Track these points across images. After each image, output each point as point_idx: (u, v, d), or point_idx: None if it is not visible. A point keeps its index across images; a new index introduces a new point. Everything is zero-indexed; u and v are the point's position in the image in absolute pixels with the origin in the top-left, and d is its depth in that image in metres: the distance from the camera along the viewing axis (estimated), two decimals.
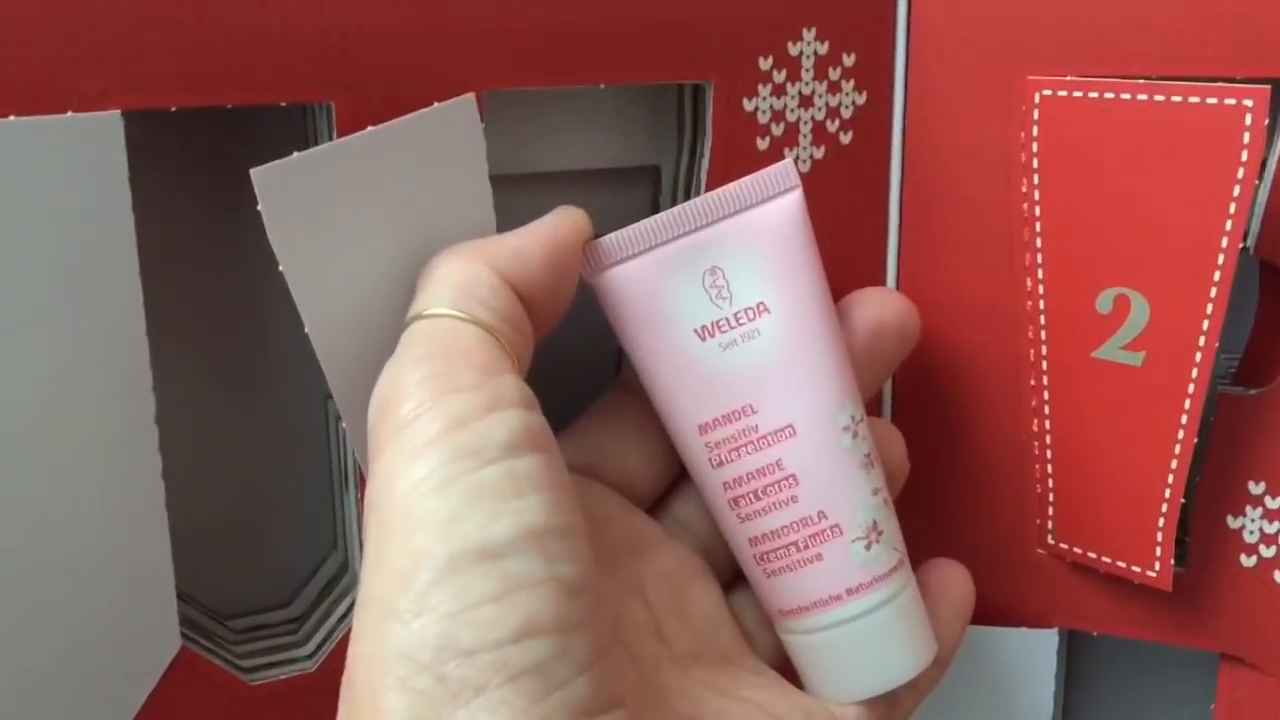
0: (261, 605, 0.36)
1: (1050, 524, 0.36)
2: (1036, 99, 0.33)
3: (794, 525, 0.31)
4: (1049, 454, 0.35)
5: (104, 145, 0.27)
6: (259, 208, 0.26)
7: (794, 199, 0.31)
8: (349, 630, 0.32)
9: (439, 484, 0.24)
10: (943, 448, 0.37)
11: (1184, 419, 0.32)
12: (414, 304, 0.27)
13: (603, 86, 0.32)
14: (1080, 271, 0.34)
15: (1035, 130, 0.33)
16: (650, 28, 0.32)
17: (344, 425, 0.30)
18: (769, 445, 0.30)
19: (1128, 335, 0.33)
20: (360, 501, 0.32)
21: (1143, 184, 0.32)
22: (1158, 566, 0.34)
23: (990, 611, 0.37)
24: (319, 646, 0.33)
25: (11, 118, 0.26)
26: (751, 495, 0.31)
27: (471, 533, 0.24)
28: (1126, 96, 0.32)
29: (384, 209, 0.28)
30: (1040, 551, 0.37)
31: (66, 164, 0.26)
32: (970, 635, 0.36)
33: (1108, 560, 0.35)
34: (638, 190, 0.37)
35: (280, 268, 0.27)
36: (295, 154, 0.27)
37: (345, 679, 0.25)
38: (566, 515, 0.25)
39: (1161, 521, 0.34)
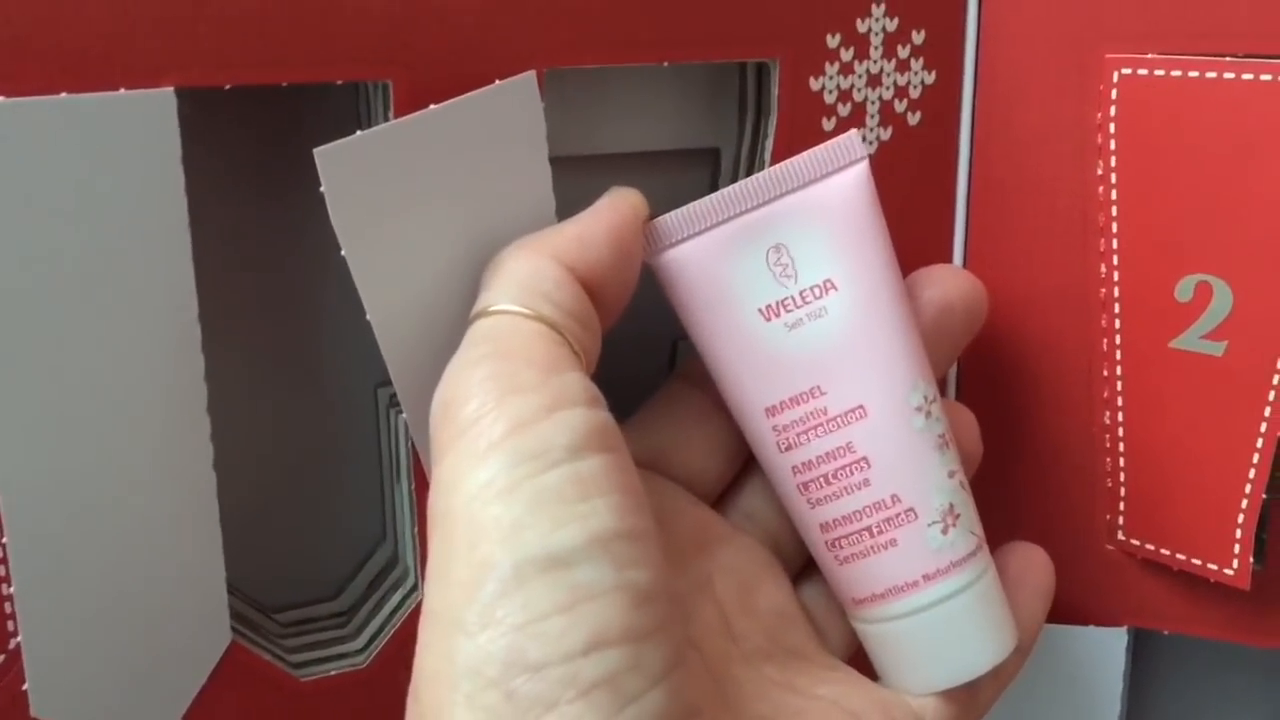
0: (309, 598, 0.35)
1: (1121, 519, 0.35)
2: (1115, 78, 0.32)
3: (866, 510, 0.30)
4: (1121, 446, 0.34)
5: (157, 123, 0.26)
6: (321, 189, 0.25)
7: (860, 171, 0.30)
8: (399, 625, 0.32)
9: (502, 490, 0.23)
10: (1009, 439, 0.36)
11: (1267, 411, 0.31)
12: (479, 300, 0.26)
13: (665, 65, 0.31)
14: (1159, 257, 0.32)
15: (1113, 111, 0.32)
16: (715, 4, 0.31)
17: (404, 415, 0.29)
18: (839, 427, 0.29)
19: (1209, 324, 0.32)
20: (412, 491, 0.31)
21: (1227, 167, 0.31)
22: (1235, 564, 0.33)
23: (1057, 608, 0.36)
24: (369, 641, 0.32)
25: (63, 94, 0.25)
26: (822, 480, 0.30)
27: (536, 541, 0.23)
28: (1212, 75, 0.31)
29: (444, 189, 0.27)
30: (1110, 547, 0.36)
31: (119, 142, 0.25)
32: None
33: (1182, 557, 0.34)
34: (696, 172, 0.36)
35: (342, 251, 0.26)
36: (358, 133, 0.26)
37: (411, 693, 0.24)
38: (636, 518, 0.24)
39: (1241, 518, 0.32)
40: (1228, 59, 0.30)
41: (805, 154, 0.30)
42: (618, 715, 0.22)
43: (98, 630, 0.27)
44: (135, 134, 0.25)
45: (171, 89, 0.26)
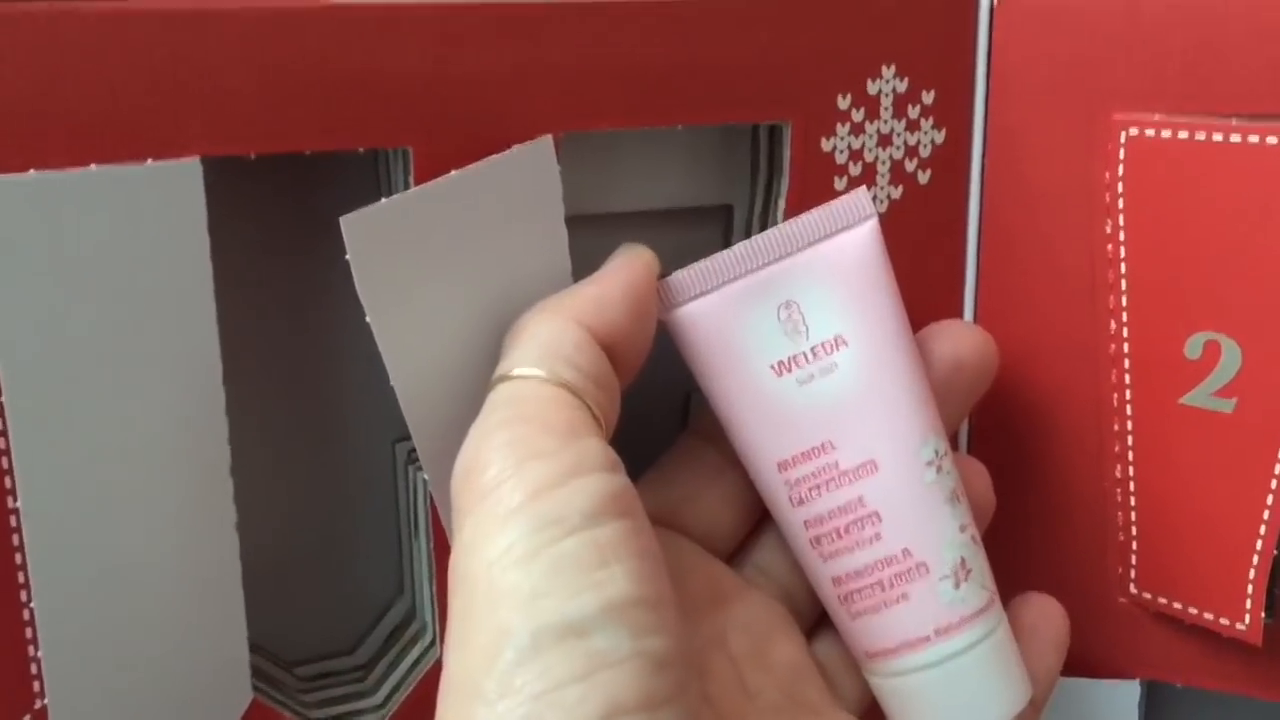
0: (326, 651, 0.35)
1: (1133, 572, 0.35)
2: (1122, 138, 0.32)
3: (878, 564, 0.30)
4: (1132, 500, 0.35)
5: (184, 191, 0.26)
6: (347, 256, 0.26)
7: (869, 229, 0.30)
8: (418, 680, 0.32)
9: (521, 557, 0.23)
10: (1020, 492, 0.36)
11: (1278, 468, 0.32)
12: (500, 364, 0.27)
13: (678, 127, 0.32)
14: (1168, 315, 0.33)
15: (1120, 170, 0.33)
16: (728, 68, 0.31)
17: (424, 475, 0.29)
18: (850, 482, 0.30)
19: (1218, 381, 0.32)
20: (430, 548, 0.32)
21: (1234, 227, 0.31)
22: (1247, 619, 0.33)
23: (1070, 661, 0.36)
24: (389, 697, 0.33)
25: (93, 166, 0.25)
26: (833, 534, 0.30)
27: (553, 609, 0.23)
28: (1218, 137, 0.31)
29: (464, 252, 0.28)
30: (1122, 600, 0.36)
31: (147, 211, 0.26)
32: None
33: (1194, 611, 0.34)
34: (709, 230, 0.36)
35: (367, 317, 0.26)
36: (382, 200, 0.26)
37: None
38: (652, 584, 0.24)
39: (1252, 573, 0.33)
40: (1234, 121, 0.31)
41: (815, 211, 0.30)
42: None
43: (123, 690, 0.28)
44: (163, 203, 0.26)
45: (197, 159, 0.26)
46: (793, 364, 0.30)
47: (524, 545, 0.23)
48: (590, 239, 0.30)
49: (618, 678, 0.23)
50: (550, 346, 0.26)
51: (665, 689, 0.23)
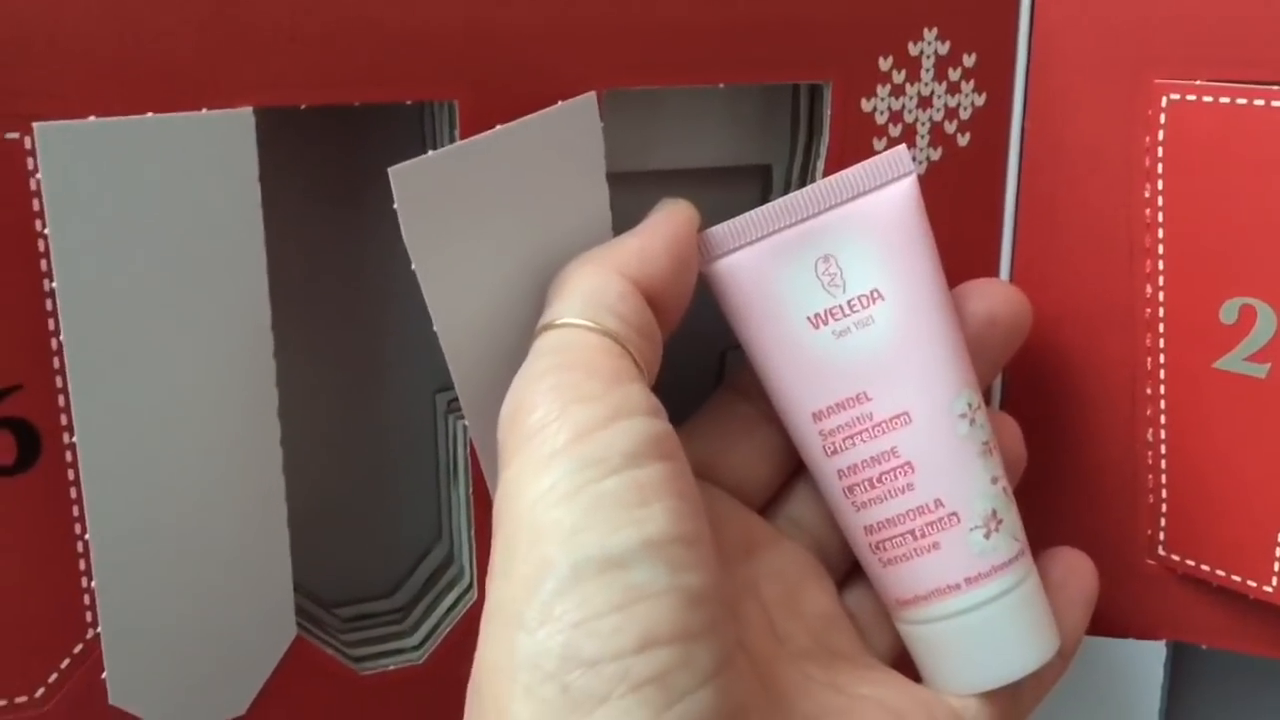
0: (366, 594, 0.36)
1: (1162, 534, 0.36)
2: (1163, 103, 0.33)
3: (910, 513, 0.30)
4: (1163, 463, 0.35)
5: (236, 140, 0.27)
6: (394, 206, 0.26)
7: (908, 185, 0.31)
8: (456, 622, 0.33)
9: (563, 495, 0.24)
10: (1052, 452, 0.37)
11: None
12: (545, 313, 0.27)
13: (720, 86, 0.32)
14: (1204, 280, 0.33)
15: (1160, 135, 0.33)
16: (771, 28, 0.32)
17: (464, 422, 0.30)
18: (884, 433, 0.30)
19: (1252, 346, 0.32)
20: (468, 495, 0.32)
21: (1271, 193, 0.31)
22: (1275, 582, 0.33)
23: (1096, 620, 0.36)
24: (426, 638, 0.33)
25: (150, 114, 0.26)
26: (866, 483, 0.31)
27: (594, 543, 0.24)
28: (1259, 103, 0.31)
29: (508, 206, 0.28)
30: (1150, 562, 0.36)
31: (201, 158, 0.27)
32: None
33: (1221, 573, 0.34)
34: (748, 189, 0.36)
35: (412, 266, 0.27)
36: (429, 153, 0.27)
37: (472, 683, 0.25)
38: (691, 523, 0.25)
39: None
40: (1274, 87, 0.31)
41: (854, 168, 0.31)
42: (667, 711, 0.23)
43: (173, 624, 0.29)
44: (216, 151, 0.27)
45: (250, 109, 0.27)
46: (829, 316, 0.30)
47: (567, 483, 0.24)
48: (631, 196, 0.31)
49: (654, 610, 0.23)
50: (594, 296, 0.27)
51: (700, 623, 0.24)
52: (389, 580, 0.37)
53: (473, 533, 0.32)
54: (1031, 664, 0.31)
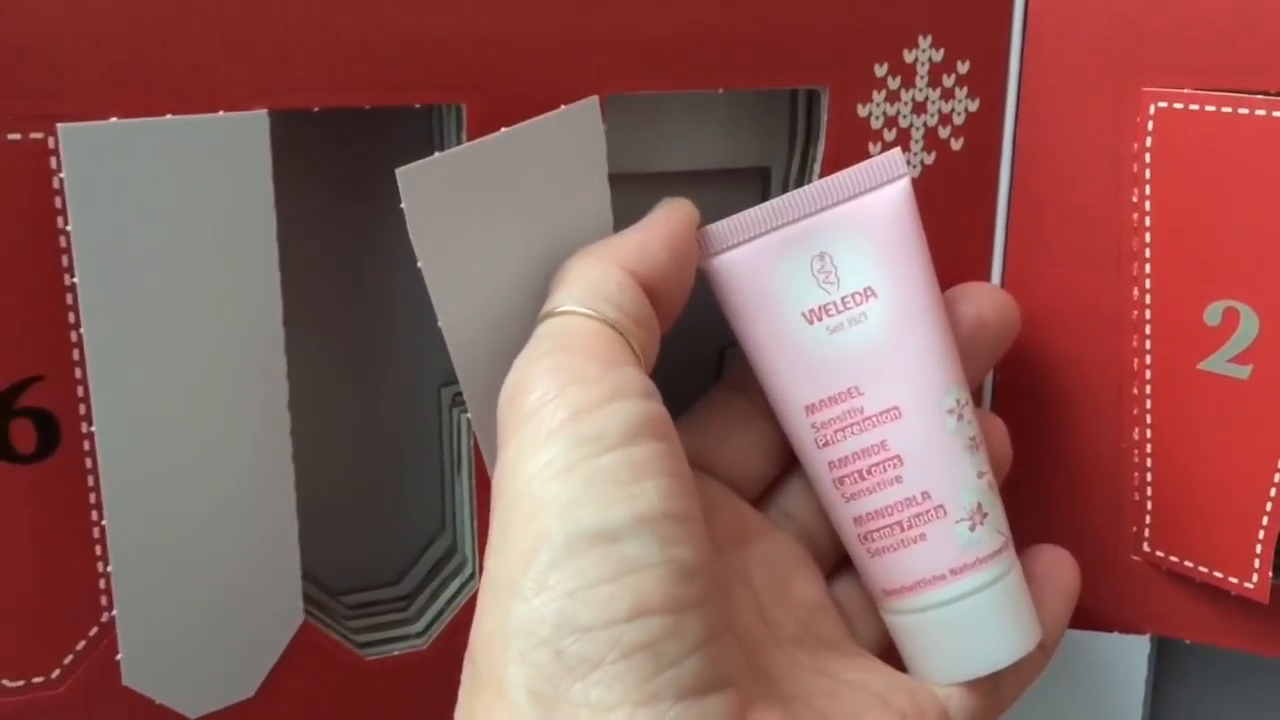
0: (371, 582, 0.37)
1: (1147, 531, 0.36)
2: (1151, 110, 0.33)
3: (898, 505, 0.31)
4: (1149, 462, 0.36)
5: (251, 141, 0.28)
6: (402, 205, 0.27)
7: (902, 187, 0.31)
8: (459, 610, 0.34)
9: (560, 470, 0.25)
10: (1040, 450, 0.38)
11: None
12: (547, 302, 0.28)
13: (719, 91, 0.33)
14: (1189, 283, 0.34)
15: (1148, 142, 0.34)
16: (769, 34, 0.32)
17: (467, 415, 0.31)
18: (874, 426, 0.31)
19: (1235, 348, 0.33)
20: (471, 486, 0.33)
21: (1256, 199, 0.32)
22: (1255, 578, 0.34)
23: (1082, 615, 0.37)
24: (430, 625, 0.34)
25: (168, 116, 0.27)
26: (856, 475, 0.31)
27: (588, 517, 0.25)
28: (1244, 111, 0.32)
29: (512, 207, 0.29)
30: (1135, 558, 0.37)
31: (217, 158, 0.28)
32: (1063, 638, 0.37)
33: (1204, 570, 0.35)
34: (747, 190, 0.37)
35: (419, 264, 0.28)
36: (435, 154, 0.28)
37: (469, 651, 0.26)
38: (683, 501, 0.26)
39: (1261, 533, 0.34)
40: (1259, 96, 0.32)
41: (850, 169, 0.31)
42: (656, 677, 0.24)
43: (185, 608, 0.30)
44: (232, 151, 0.28)
45: (265, 111, 0.28)
46: (824, 313, 0.31)
47: (563, 460, 0.25)
48: (632, 197, 0.32)
49: (646, 582, 0.24)
50: (594, 286, 0.28)
51: (690, 596, 0.25)
52: (394, 569, 0.38)
53: (475, 523, 0.33)
54: (1013, 655, 0.32)
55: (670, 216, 0.30)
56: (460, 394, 0.30)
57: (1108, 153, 0.35)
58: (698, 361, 0.38)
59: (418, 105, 0.30)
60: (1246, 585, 0.34)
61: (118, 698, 0.30)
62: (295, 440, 0.30)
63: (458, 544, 0.36)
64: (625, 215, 0.31)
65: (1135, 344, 0.35)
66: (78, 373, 0.28)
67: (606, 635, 0.24)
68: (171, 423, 0.28)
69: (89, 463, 0.29)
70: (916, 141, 0.35)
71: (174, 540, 0.29)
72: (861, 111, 0.34)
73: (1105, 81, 0.34)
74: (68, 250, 0.27)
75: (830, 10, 0.33)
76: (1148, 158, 0.34)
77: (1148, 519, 0.36)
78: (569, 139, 0.30)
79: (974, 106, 0.35)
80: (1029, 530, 0.37)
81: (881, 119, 0.34)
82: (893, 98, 0.34)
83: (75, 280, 0.27)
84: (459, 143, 0.30)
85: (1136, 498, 0.36)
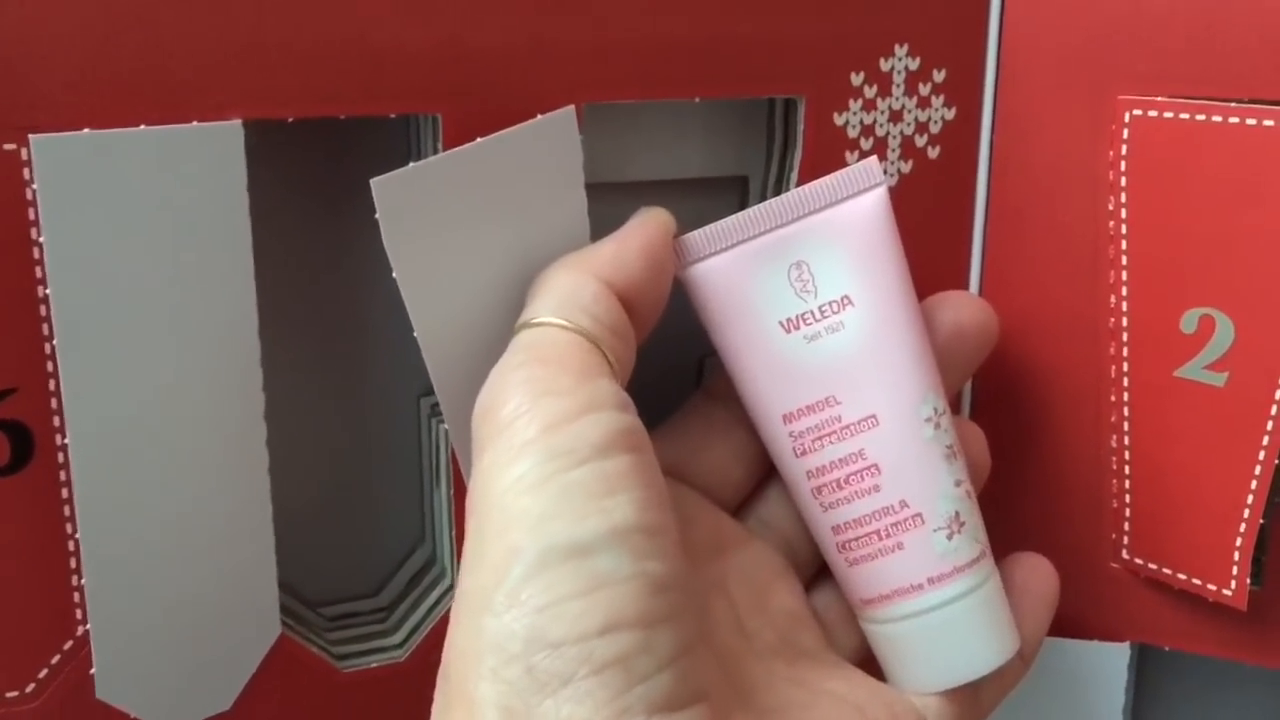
0: (350, 594, 0.37)
1: (1125, 538, 0.36)
2: (1126, 118, 0.34)
3: (876, 514, 0.31)
4: (1127, 469, 0.36)
5: (225, 152, 0.28)
6: (376, 216, 0.27)
7: (878, 195, 0.31)
8: (437, 622, 0.34)
9: (533, 484, 0.25)
10: (1019, 458, 0.38)
11: (1265, 440, 0.33)
12: (523, 313, 0.28)
13: (696, 100, 0.33)
14: (1165, 291, 0.34)
15: (1124, 149, 0.34)
16: (746, 45, 0.33)
17: (445, 426, 0.31)
18: (852, 435, 0.31)
19: (1211, 355, 0.33)
20: (450, 496, 0.33)
21: (1231, 206, 0.32)
22: (1233, 585, 0.34)
23: (1062, 623, 0.37)
24: (408, 637, 0.34)
25: (142, 126, 0.27)
26: (834, 484, 0.31)
27: (560, 530, 0.25)
28: (1218, 119, 0.32)
29: (488, 216, 0.29)
30: (1114, 565, 0.37)
31: (191, 169, 0.27)
32: (1041, 646, 0.37)
33: (1183, 577, 0.35)
34: (725, 199, 0.37)
35: (393, 274, 0.28)
36: (411, 164, 0.28)
37: (442, 669, 0.26)
38: (656, 514, 0.26)
39: (1239, 540, 0.34)
40: (1233, 104, 0.32)
41: (827, 178, 0.31)
42: (627, 693, 0.24)
43: (160, 621, 0.29)
44: (206, 162, 0.28)
45: (239, 121, 0.28)
46: (801, 321, 0.31)
47: (537, 473, 0.25)
48: (609, 206, 0.32)
49: (618, 596, 0.24)
50: (569, 297, 0.28)
51: (663, 610, 0.25)
52: (373, 580, 0.37)
53: (454, 534, 0.33)
54: (991, 664, 0.32)
55: (646, 226, 0.30)
56: (438, 404, 0.30)
57: (1084, 160, 0.35)
58: (678, 371, 0.38)
59: (393, 115, 0.30)
60: (1224, 592, 0.35)
61: (92, 712, 0.29)
62: (273, 451, 0.30)
63: (437, 555, 0.36)
64: (602, 225, 0.31)
65: (1112, 351, 0.35)
66: (52, 385, 0.28)
67: (578, 651, 0.24)
68: (146, 435, 0.28)
69: (63, 475, 0.28)
70: (893, 150, 0.35)
71: (149, 553, 0.29)
72: (838, 120, 0.34)
73: (1081, 89, 0.35)
74: (41, 262, 0.27)
75: (806, 19, 0.33)
76: (1123, 165, 0.34)
77: (1126, 526, 0.36)
78: (545, 148, 0.30)
79: (950, 115, 0.36)
80: (1007, 538, 0.37)
81: (858, 127, 0.35)
82: (869, 106, 0.34)
83: (49, 292, 0.27)
84: (435, 153, 0.30)
85: (1115, 505, 0.36)
